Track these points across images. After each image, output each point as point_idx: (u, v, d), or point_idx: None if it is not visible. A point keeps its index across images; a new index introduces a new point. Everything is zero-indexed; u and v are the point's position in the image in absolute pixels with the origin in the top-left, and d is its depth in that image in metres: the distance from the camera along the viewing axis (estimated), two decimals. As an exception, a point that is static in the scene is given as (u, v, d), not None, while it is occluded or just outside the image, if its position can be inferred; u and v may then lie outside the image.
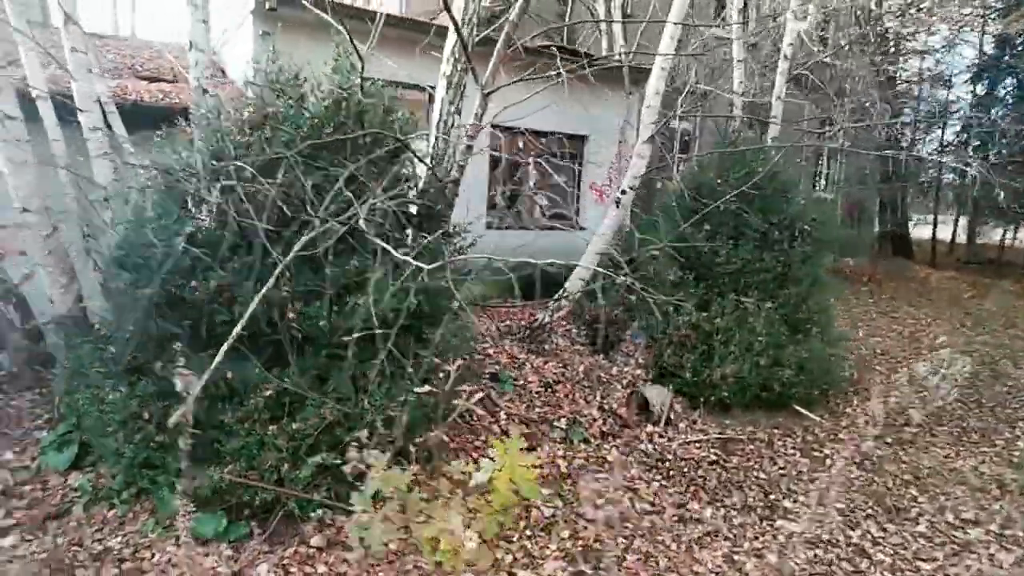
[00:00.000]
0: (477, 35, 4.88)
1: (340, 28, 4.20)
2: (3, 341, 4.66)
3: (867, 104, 13.56)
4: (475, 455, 4.45)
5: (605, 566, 3.50)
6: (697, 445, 5.17)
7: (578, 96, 8.31)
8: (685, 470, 4.81)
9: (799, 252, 6.13)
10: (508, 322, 6.74)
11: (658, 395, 5.38)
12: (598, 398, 5.52)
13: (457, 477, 2.76)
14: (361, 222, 3.54)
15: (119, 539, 3.42)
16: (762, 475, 4.89)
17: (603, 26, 9.51)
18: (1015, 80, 16.66)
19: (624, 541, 3.77)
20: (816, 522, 4.26)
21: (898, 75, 19.39)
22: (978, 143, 16.22)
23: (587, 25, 10.09)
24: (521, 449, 2.64)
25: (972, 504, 4.68)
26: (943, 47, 18.24)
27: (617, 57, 8.38)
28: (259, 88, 4.24)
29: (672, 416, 5.50)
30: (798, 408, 6.08)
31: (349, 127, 4.09)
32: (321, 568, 3.33)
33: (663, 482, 4.60)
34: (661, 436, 5.21)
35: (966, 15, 16.36)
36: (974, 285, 14.89)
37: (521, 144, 8.84)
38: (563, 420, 4.98)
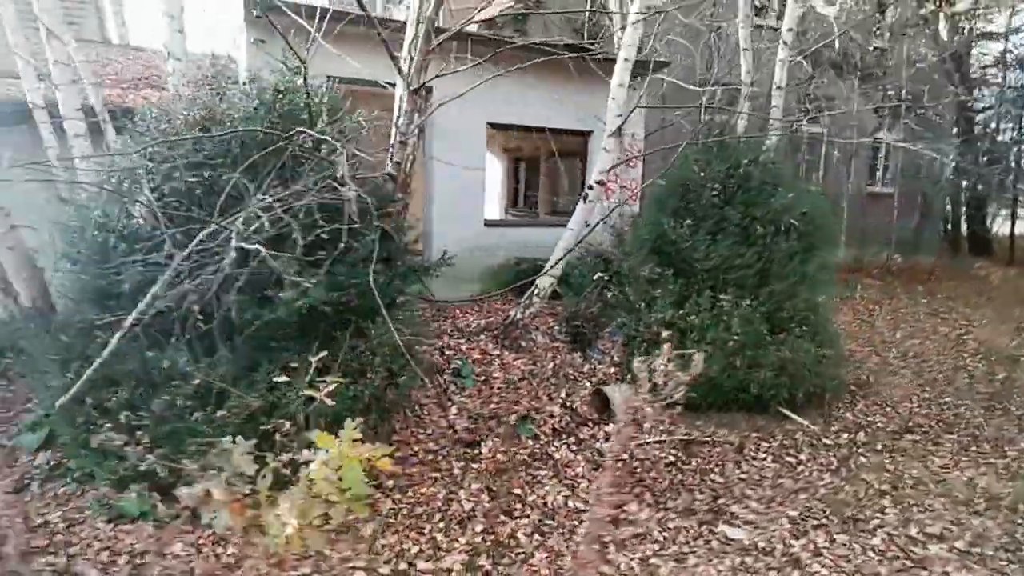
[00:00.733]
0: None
1: (276, 27, 4.34)
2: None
3: (924, 90, 12.70)
4: (417, 448, 4.52)
5: (508, 562, 3.48)
6: (658, 446, 5.03)
7: (582, 91, 8.27)
8: (638, 470, 4.69)
9: (784, 248, 5.84)
10: (492, 318, 6.76)
11: (621, 394, 5.26)
12: (563, 395, 5.47)
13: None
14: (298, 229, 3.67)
15: (59, 514, 3.69)
16: (719, 479, 4.71)
17: (616, 20, 9.34)
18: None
19: (540, 539, 3.74)
20: (759, 529, 4.07)
21: (973, 60, 18.02)
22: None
23: (610, 20, 9.93)
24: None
25: (947, 518, 4.33)
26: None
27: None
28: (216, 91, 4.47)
29: (638, 415, 5.36)
30: (785, 411, 5.80)
31: (281, 127, 4.24)
32: (231, 549, 3.47)
33: (608, 481, 4.50)
34: (620, 435, 5.09)
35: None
36: (1049, 286, 13.68)
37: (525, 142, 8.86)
38: (514, 416, 4.96)
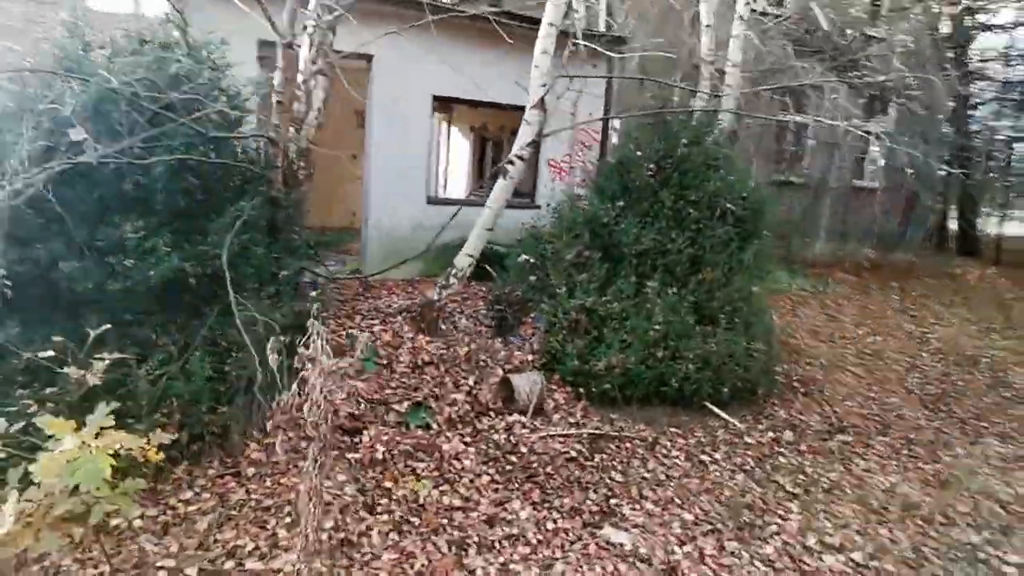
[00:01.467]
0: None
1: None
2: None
3: (913, 80, 12.22)
4: (291, 435, 4.21)
5: (347, 564, 3.19)
6: (562, 440, 4.72)
7: (520, 66, 7.85)
8: (534, 465, 4.38)
9: (718, 234, 5.49)
10: (417, 299, 6.43)
11: (527, 383, 4.95)
12: (470, 383, 5.16)
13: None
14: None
15: None
16: (620, 477, 4.40)
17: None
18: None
19: (396, 538, 3.44)
20: (647, 533, 3.78)
21: (976, 52, 17.48)
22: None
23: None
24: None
25: (852, 527, 4.04)
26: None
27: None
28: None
29: (547, 406, 5.06)
30: (711, 407, 5.49)
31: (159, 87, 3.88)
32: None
33: (496, 476, 4.20)
34: (524, 427, 4.79)
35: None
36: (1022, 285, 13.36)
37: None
38: (407, 404, 4.65)
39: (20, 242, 3.37)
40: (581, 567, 3.41)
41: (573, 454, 4.58)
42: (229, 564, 3.11)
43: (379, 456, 4.12)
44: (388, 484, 3.89)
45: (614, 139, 9.34)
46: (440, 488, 3.96)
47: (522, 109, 7.57)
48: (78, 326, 3.57)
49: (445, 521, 3.67)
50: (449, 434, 4.53)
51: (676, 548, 3.65)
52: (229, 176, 4.06)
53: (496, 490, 4.08)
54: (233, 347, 3.94)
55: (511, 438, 4.65)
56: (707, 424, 5.37)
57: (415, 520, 3.62)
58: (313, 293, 5.02)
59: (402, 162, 7.57)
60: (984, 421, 6.34)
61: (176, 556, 3.11)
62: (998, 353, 8.85)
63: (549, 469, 4.37)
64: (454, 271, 5.52)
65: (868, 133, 7.01)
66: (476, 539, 3.53)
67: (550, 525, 3.78)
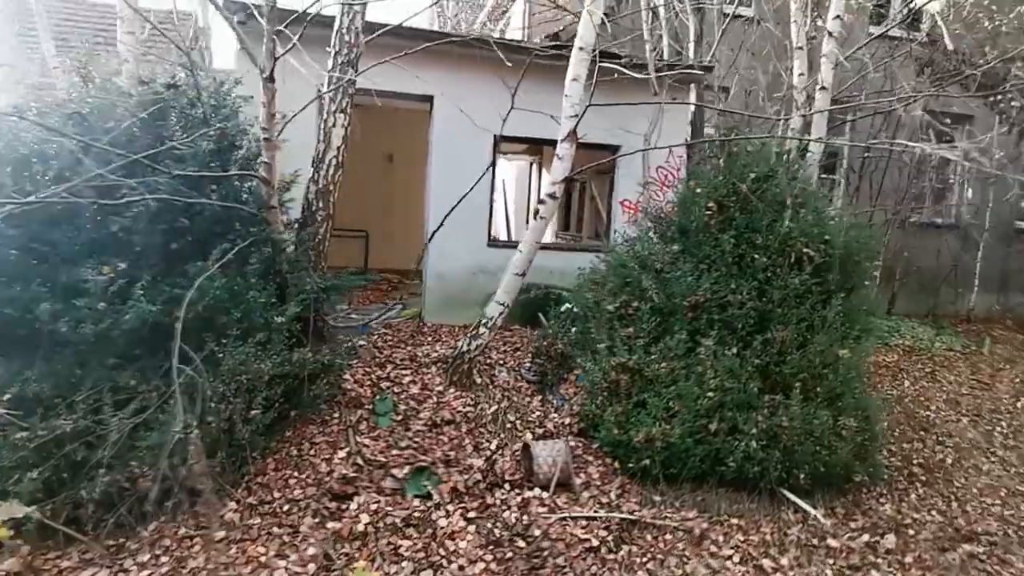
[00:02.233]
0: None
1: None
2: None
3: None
4: (278, 496, 3.89)
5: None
6: (585, 524, 4.00)
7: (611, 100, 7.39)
8: (544, 554, 3.71)
9: (794, 285, 4.58)
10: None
11: (549, 451, 4.30)
12: (492, 447, 4.60)
13: None
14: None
15: None
16: (645, 579, 3.61)
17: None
18: None
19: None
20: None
21: None
22: None
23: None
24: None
25: None
26: None
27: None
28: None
29: (576, 481, 4.36)
30: (786, 494, 4.50)
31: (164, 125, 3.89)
32: None
33: (493, 566, 3.58)
34: (543, 505, 4.13)
35: None
36: None
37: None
38: (409, 468, 4.18)
39: (3, 283, 3.39)
40: None
41: (595, 542, 3.84)
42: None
43: (360, 528, 3.67)
44: (360, 563, 3.41)
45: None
46: (422, 574, 3.42)
47: (593, 147, 7.13)
48: (57, 369, 3.53)
49: (411, 619, 3.12)
50: (451, 507, 3.98)
51: None
52: (223, 218, 3.94)
53: (485, 582, 3.46)
54: (214, 397, 3.72)
55: (525, 517, 4.01)
56: (779, 516, 4.37)
57: (374, 614, 3.10)
58: (355, 340, 4.78)
59: (464, 205, 7.32)
60: None
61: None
62: None
63: (561, 560, 3.68)
64: (484, 320, 5.06)
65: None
66: (440, 647, 2.95)
67: (537, 637, 3.09)
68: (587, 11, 4.52)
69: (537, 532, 3.89)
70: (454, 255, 7.28)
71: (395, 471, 4.13)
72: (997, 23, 7.97)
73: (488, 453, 4.53)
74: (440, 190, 7.21)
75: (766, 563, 3.88)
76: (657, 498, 4.35)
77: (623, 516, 4.09)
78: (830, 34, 5.84)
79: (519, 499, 4.15)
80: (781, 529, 4.23)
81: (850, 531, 4.32)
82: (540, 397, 5.28)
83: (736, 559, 3.89)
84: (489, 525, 3.91)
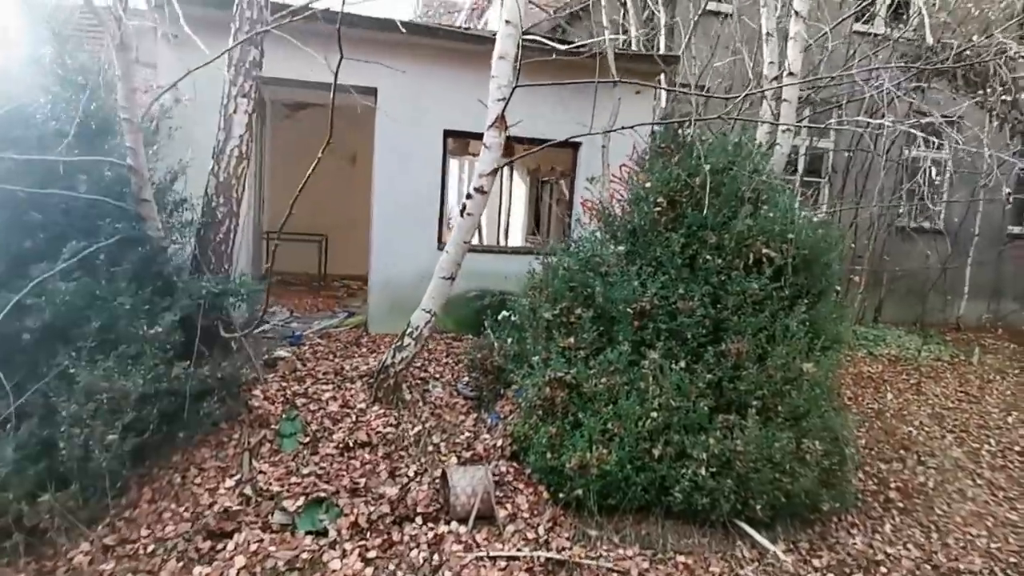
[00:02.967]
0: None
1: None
2: None
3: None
4: (147, 533, 3.34)
5: None
6: (504, 564, 3.46)
7: (574, 96, 6.90)
8: (451, 603, 3.18)
9: (750, 289, 4.06)
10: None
11: (470, 480, 3.75)
12: (409, 474, 4.06)
13: None
14: None
15: None
16: (568, 635, 3.07)
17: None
18: None
19: None
20: None
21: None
22: None
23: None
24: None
25: None
26: None
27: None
28: None
29: (500, 514, 3.82)
30: (742, 525, 3.97)
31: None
32: None
33: (386, 618, 3.05)
34: (459, 542, 3.59)
35: None
36: None
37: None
38: (304, 499, 3.64)
39: None
40: None
41: (513, 589, 3.31)
42: None
43: (233, 574, 3.12)
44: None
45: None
46: (294, 632, 2.88)
47: (539, 142, 6.62)
48: None
49: None
50: (348, 545, 3.43)
51: None
52: (88, 214, 3.41)
53: (374, 640, 2.92)
54: (68, 420, 3.19)
55: (435, 557, 3.47)
56: (732, 553, 3.83)
57: None
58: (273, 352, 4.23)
59: (410, 206, 6.80)
60: None
61: None
62: None
63: (468, 611, 3.14)
64: (408, 330, 4.52)
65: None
66: None
67: None
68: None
69: (448, 574, 3.35)
70: (402, 259, 6.76)
71: (287, 503, 3.59)
72: (985, 9, 7.48)
73: (404, 480, 3.99)
74: (384, 188, 6.69)
75: (711, 612, 3.34)
76: (593, 532, 3.81)
77: (549, 555, 3.55)
78: (796, 13, 5.34)
79: (431, 535, 3.61)
80: (733, 569, 3.70)
81: (813, 570, 3.79)
82: (475, 415, 4.75)
83: (678, 607, 3.36)
84: (391, 567, 3.37)
